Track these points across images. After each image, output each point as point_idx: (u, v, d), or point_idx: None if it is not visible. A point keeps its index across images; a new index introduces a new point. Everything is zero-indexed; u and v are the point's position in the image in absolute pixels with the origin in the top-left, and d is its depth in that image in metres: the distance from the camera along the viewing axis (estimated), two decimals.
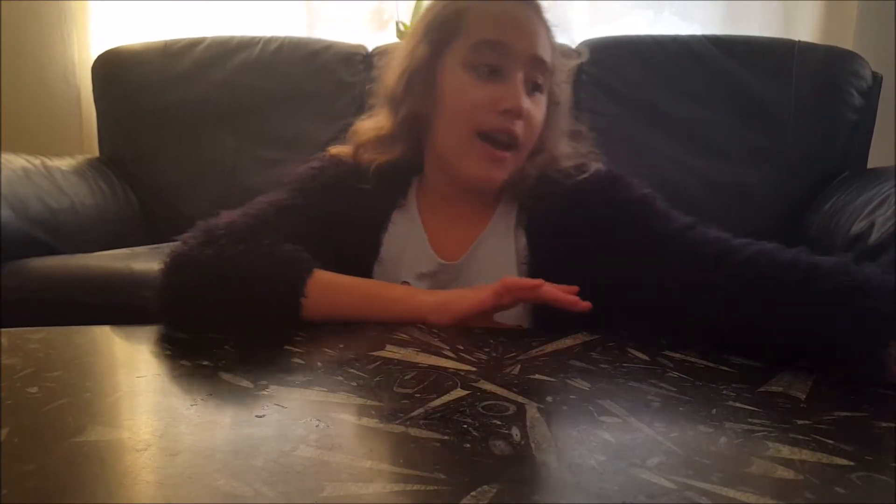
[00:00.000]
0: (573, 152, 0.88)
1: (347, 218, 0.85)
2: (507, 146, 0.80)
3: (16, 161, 1.60)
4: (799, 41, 1.79)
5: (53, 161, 1.74)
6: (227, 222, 0.78)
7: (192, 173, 1.96)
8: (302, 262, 0.75)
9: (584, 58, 0.91)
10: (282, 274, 0.73)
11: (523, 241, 0.84)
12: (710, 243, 0.74)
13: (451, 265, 0.84)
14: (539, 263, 0.82)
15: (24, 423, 0.43)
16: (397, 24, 2.30)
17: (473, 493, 0.35)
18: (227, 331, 0.66)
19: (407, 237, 0.86)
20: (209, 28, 2.16)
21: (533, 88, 0.81)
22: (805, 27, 1.97)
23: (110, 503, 0.33)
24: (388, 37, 2.30)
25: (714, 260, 0.71)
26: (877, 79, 1.75)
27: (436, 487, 0.35)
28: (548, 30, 0.84)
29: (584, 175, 0.83)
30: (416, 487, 0.35)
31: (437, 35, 0.83)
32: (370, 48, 2.03)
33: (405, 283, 0.83)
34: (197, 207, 1.95)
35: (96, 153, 2.08)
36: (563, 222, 0.82)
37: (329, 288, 0.74)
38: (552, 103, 0.86)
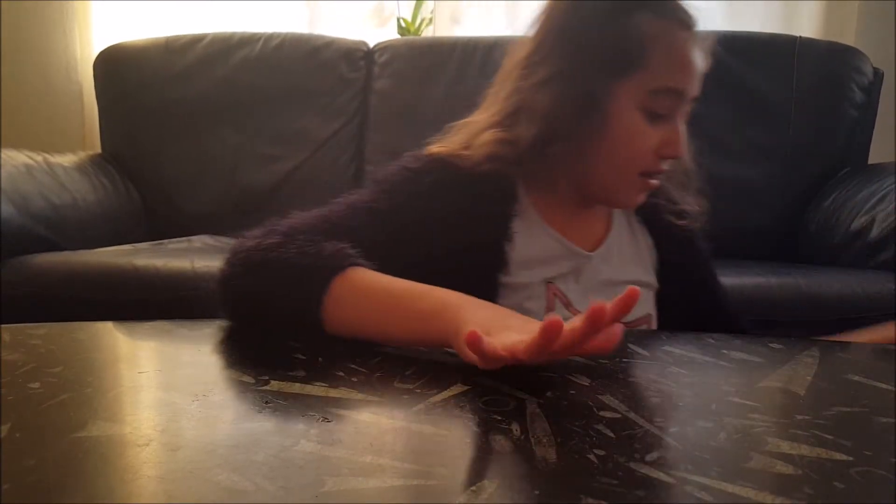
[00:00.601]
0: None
1: (455, 229, 0.77)
2: (657, 176, 0.81)
3: (18, 157, 1.61)
4: (800, 37, 1.79)
5: (55, 157, 1.75)
6: (290, 220, 0.73)
7: (194, 169, 1.97)
8: (336, 257, 0.65)
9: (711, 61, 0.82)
10: (305, 272, 0.64)
11: (650, 240, 0.89)
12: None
13: (594, 255, 0.84)
14: (664, 260, 0.89)
15: (25, 418, 0.43)
16: (398, 20, 2.31)
17: (473, 488, 0.35)
18: (283, 330, 0.64)
19: (536, 241, 0.81)
20: (210, 24, 2.16)
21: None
22: (806, 23, 1.97)
23: (111, 499, 0.33)
24: (390, 33, 2.30)
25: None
26: (878, 74, 1.75)
27: (436, 482, 0.36)
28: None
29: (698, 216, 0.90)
30: (416, 482, 0.36)
31: (613, 62, 0.75)
32: (371, 44, 2.03)
33: (549, 281, 0.81)
34: (198, 203, 1.97)
35: (98, 149, 2.08)
36: (671, 232, 0.89)
37: (354, 290, 0.63)
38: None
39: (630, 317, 0.79)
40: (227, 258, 0.70)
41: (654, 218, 0.89)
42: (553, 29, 0.79)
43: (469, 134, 0.83)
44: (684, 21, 0.76)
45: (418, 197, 0.78)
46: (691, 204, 0.89)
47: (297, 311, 0.63)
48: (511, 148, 0.79)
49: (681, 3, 0.77)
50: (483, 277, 0.77)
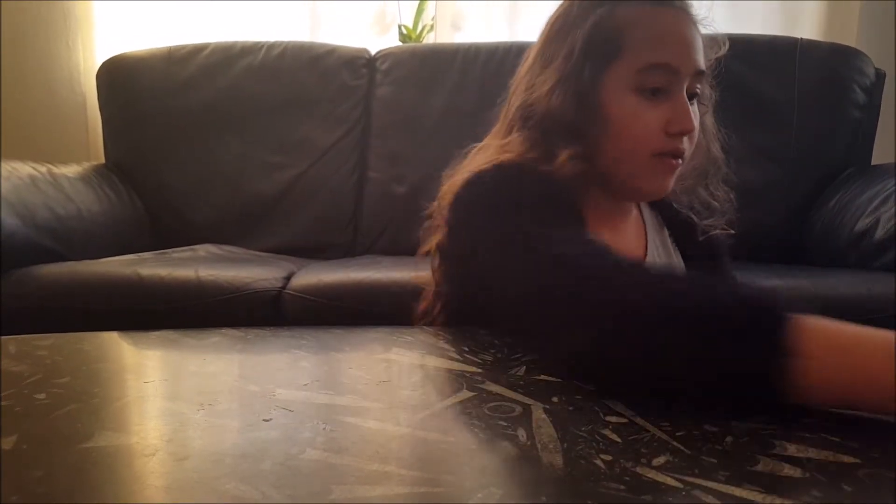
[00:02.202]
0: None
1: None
2: (677, 157, 0.79)
3: (22, 169, 1.61)
4: (802, 38, 1.78)
5: (60, 168, 1.76)
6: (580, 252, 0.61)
7: (198, 179, 1.98)
8: (763, 297, 0.50)
9: (726, 48, 0.85)
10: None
11: (672, 240, 0.91)
12: None
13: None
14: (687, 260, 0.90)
15: (32, 429, 0.43)
16: (400, 27, 2.31)
17: (480, 495, 0.35)
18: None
19: None
20: (213, 34, 2.17)
21: (691, 97, 0.79)
22: (808, 25, 1.97)
23: None
24: (391, 40, 2.31)
25: None
26: (880, 75, 1.75)
27: (443, 489, 0.35)
28: (700, 34, 0.81)
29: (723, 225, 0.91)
30: (423, 489, 0.35)
31: (596, 55, 0.77)
32: (373, 52, 2.04)
33: None
34: (202, 213, 1.97)
35: (102, 160, 2.09)
36: (687, 230, 0.90)
37: (835, 343, 0.47)
38: (701, 105, 0.84)
39: None
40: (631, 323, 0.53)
41: (677, 222, 0.91)
42: (549, 37, 0.82)
43: (518, 148, 0.80)
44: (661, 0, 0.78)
45: (563, 204, 0.74)
46: (720, 197, 0.90)
47: (744, 381, 0.48)
48: (545, 158, 0.77)
49: None
50: None
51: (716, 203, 0.89)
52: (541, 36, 0.83)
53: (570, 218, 0.72)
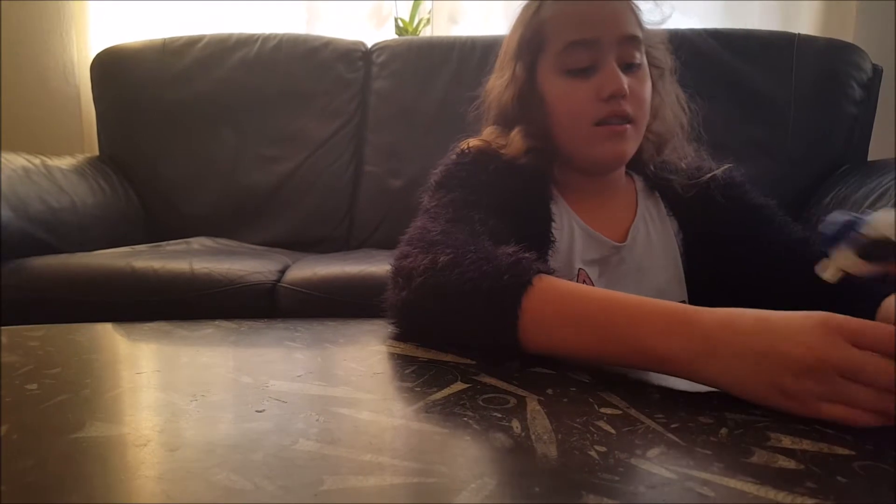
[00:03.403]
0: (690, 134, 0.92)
1: (521, 212, 0.81)
2: (625, 122, 0.82)
3: (16, 160, 1.60)
4: (799, 34, 1.78)
5: (53, 160, 1.75)
6: (440, 229, 0.69)
7: (192, 171, 1.97)
8: (518, 271, 0.59)
9: (671, 12, 0.89)
10: (492, 296, 0.58)
11: (675, 225, 0.89)
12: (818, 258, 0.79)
13: (622, 246, 0.86)
14: (691, 248, 0.88)
15: (23, 419, 0.43)
16: (396, 20, 2.30)
17: (474, 486, 0.34)
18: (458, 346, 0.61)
19: (568, 227, 0.86)
20: (208, 26, 2.16)
21: (629, 66, 0.82)
22: (805, 20, 1.96)
23: (109, 499, 0.33)
24: (388, 33, 2.30)
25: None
26: (877, 71, 1.75)
27: (436, 479, 0.35)
28: (631, 3, 0.84)
29: (721, 170, 0.90)
30: (416, 480, 0.35)
31: (527, 53, 0.85)
32: (369, 44, 2.03)
33: (581, 269, 0.84)
34: (197, 205, 1.96)
35: (96, 152, 2.08)
36: (705, 212, 0.88)
37: (552, 298, 0.57)
38: (654, 68, 0.87)
39: None
40: (400, 283, 0.65)
41: (669, 194, 0.91)
42: (505, 41, 0.91)
43: (490, 135, 0.90)
44: None
45: (487, 186, 0.81)
46: (688, 158, 0.91)
47: (493, 336, 0.58)
48: (541, 143, 0.86)
49: None
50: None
51: (683, 164, 0.90)
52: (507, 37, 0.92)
53: (505, 199, 0.79)
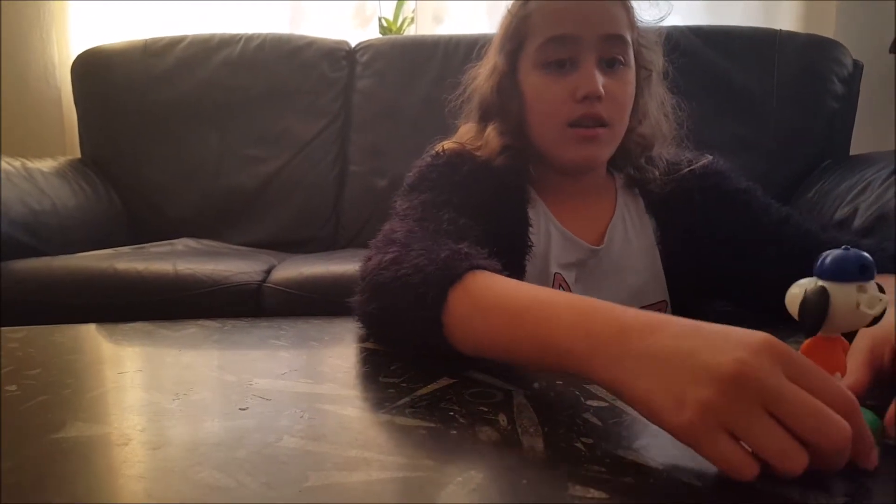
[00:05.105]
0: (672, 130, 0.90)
1: (495, 214, 0.79)
2: (597, 126, 0.81)
3: None
4: (780, 30, 1.79)
5: (34, 163, 1.73)
6: (405, 229, 0.68)
7: (176, 173, 1.95)
8: (450, 265, 0.55)
9: (670, 10, 0.88)
10: (420, 290, 0.55)
11: (654, 223, 0.88)
12: (803, 237, 0.81)
13: (598, 249, 0.85)
14: (670, 246, 0.87)
15: (2, 420, 0.42)
16: (380, 19, 2.30)
17: (460, 479, 0.34)
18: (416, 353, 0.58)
19: (545, 229, 0.85)
20: (190, 26, 2.14)
21: (612, 65, 0.81)
22: (786, 17, 1.98)
23: (91, 499, 0.32)
24: (372, 33, 2.29)
25: (806, 255, 0.57)
26: (858, 66, 1.76)
27: (422, 474, 0.35)
28: (620, 3, 0.82)
29: (699, 164, 0.88)
30: (402, 474, 0.35)
31: (510, 45, 0.85)
32: (353, 44, 2.02)
33: (557, 274, 0.83)
34: (181, 207, 1.95)
35: (78, 154, 2.06)
36: (682, 208, 0.86)
37: (477, 294, 0.53)
38: (642, 69, 0.86)
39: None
40: (360, 285, 0.63)
41: (647, 191, 0.89)
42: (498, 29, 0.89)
43: (466, 136, 0.89)
44: None
45: (459, 187, 0.79)
46: (671, 159, 0.89)
47: (421, 336, 0.55)
48: (517, 140, 0.85)
49: None
50: (512, 263, 0.78)
51: (662, 162, 0.89)
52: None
53: (479, 201, 0.78)
